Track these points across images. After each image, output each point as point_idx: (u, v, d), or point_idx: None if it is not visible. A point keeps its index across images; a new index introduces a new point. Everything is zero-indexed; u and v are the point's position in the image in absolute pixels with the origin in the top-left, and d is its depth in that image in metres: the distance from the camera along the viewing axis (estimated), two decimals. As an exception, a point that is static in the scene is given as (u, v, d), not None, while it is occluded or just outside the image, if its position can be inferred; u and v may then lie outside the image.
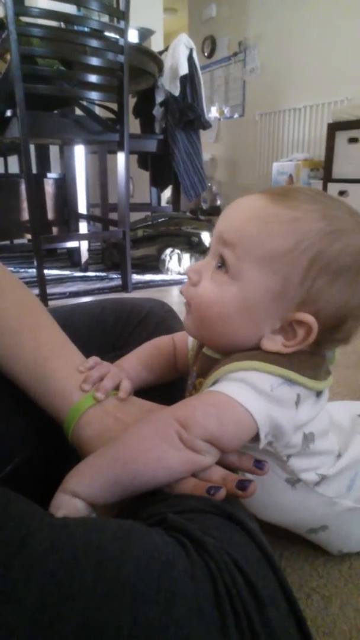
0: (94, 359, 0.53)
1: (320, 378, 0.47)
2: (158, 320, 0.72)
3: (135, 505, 0.41)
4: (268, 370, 0.43)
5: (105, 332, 0.72)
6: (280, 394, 0.43)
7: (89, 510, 0.40)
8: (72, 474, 0.41)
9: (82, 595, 0.27)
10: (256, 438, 0.43)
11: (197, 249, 2.38)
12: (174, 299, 1.92)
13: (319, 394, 0.49)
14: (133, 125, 2.30)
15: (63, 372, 0.50)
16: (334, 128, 3.63)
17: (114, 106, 1.93)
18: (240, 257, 0.45)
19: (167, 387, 0.61)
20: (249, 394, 0.42)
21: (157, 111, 2.50)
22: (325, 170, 3.76)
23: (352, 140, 3.51)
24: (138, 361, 0.59)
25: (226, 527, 0.36)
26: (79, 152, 2.40)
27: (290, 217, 0.43)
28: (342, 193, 3.61)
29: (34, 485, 0.48)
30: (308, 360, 0.46)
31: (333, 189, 3.68)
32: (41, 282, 1.84)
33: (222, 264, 0.46)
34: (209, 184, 4.83)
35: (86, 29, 1.74)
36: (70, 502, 0.39)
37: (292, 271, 0.43)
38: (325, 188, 3.73)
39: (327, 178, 3.73)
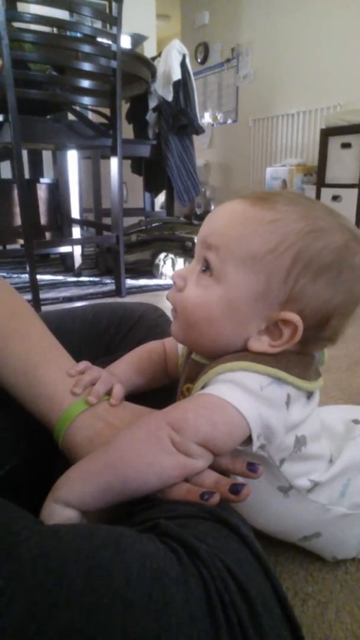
0: (85, 364, 0.53)
1: (309, 378, 0.47)
2: (151, 324, 0.72)
3: (128, 511, 0.40)
4: (256, 370, 0.43)
5: (97, 337, 0.71)
6: (270, 393, 0.43)
7: (81, 518, 0.39)
8: (62, 481, 0.40)
9: (70, 604, 0.27)
10: (248, 440, 0.43)
11: (190, 253, 2.38)
12: (167, 303, 1.91)
13: (309, 396, 0.49)
14: (126, 130, 2.31)
15: (53, 377, 0.50)
16: (327, 133, 3.65)
17: (107, 111, 1.93)
18: (223, 259, 0.45)
19: (159, 392, 0.61)
20: (238, 394, 0.42)
21: (150, 117, 2.51)
22: (318, 175, 3.78)
23: (345, 145, 3.53)
24: (129, 366, 0.58)
25: (220, 533, 0.35)
26: (72, 158, 2.40)
27: (271, 219, 0.44)
28: (335, 198, 3.62)
29: (24, 491, 0.47)
30: (296, 360, 0.46)
31: (326, 194, 3.70)
32: (34, 287, 1.83)
33: (207, 268, 0.47)
34: (203, 189, 4.85)
35: (79, 35, 1.75)
36: (62, 512, 0.38)
37: (274, 271, 0.43)
38: (318, 193, 3.75)
39: (321, 183, 3.75)
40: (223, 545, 0.33)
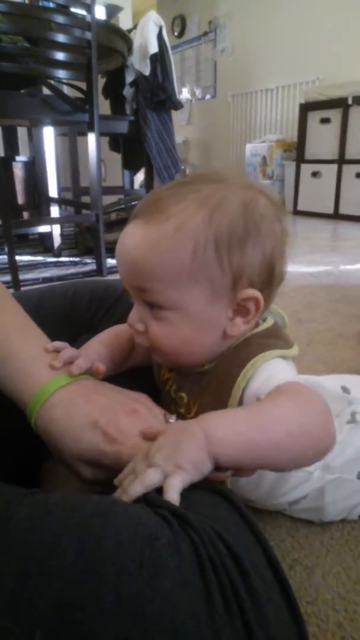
0: (62, 343, 0.51)
1: (292, 342, 0.50)
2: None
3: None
4: (280, 355, 0.47)
5: (79, 314, 0.70)
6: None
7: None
8: (219, 439, 0.36)
9: (62, 572, 0.27)
10: None
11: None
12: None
13: None
14: (103, 106, 2.25)
15: (30, 353, 0.48)
16: (306, 108, 3.63)
17: (83, 86, 1.88)
18: (162, 292, 0.45)
19: (134, 374, 0.60)
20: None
21: (128, 92, 2.45)
22: (298, 151, 3.77)
23: (324, 120, 3.52)
24: (100, 350, 0.56)
25: (211, 500, 0.36)
26: (48, 135, 2.33)
27: (173, 228, 0.43)
28: (315, 174, 3.63)
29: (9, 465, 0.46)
30: (276, 334, 0.49)
31: (306, 170, 3.70)
32: (13, 268, 1.80)
33: (153, 306, 0.46)
34: (183, 167, 4.80)
35: (51, 4, 1.69)
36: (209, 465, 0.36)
37: (208, 269, 0.44)
38: (298, 169, 3.75)
39: (300, 159, 3.75)
40: (213, 513, 0.34)
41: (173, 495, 0.33)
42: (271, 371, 0.45)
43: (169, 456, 0.35)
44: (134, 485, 0.34)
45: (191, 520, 0.31)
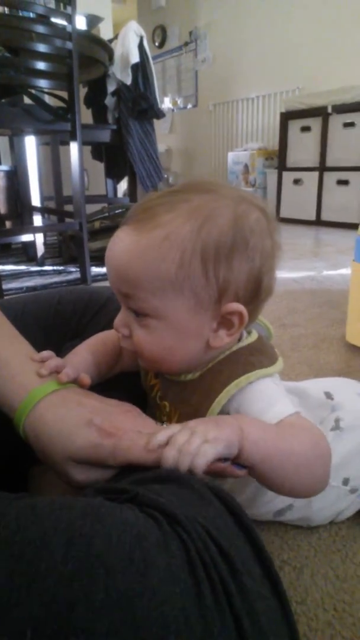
0: (48, 352, 0.51)
1: (277, 357, 0.50)
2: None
3: (116, 478, 0.40)
4: (265, 374, 0.47)
5: (64, 321, 0.70)
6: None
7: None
8: (247, 435, 0.40)
9: (52, 572, 0.27)
10: None
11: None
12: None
13: None
14: (85, 115, 2.26)
15: (17, 360, 0.48)
16: (287, 117, 3.69)
17: (65, 95, 1.89)
18: (146, 299, 0.45)
19: (120, 382, 0.60)
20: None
21: (110, 101, 2.46)
22: (279, 159, 3.82)
23: (305, 129, 3.57)
24: (86, 358, 0.56)
25: (203, 498, 0.36)
26: (30, 144, 2.33)
27: (161, 237, 0.43)
28: (297, 182, 3.68)
29: None
30: (261, 351, 0.49)
31: (288, 177, 3.75)
32: (-4, 277, 1.78)
33: (137, 314, 0.47)
34: (166, 176, 4.82)
35: (31, 14, 1.69)
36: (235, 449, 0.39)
37: (193, 281, 0.44)
38: (280, 177, 3.79)
39: (282, 167, 3.80)
40: (203, 511, 0.34)
41: (201, 462, 0.36)
42: (265, 397, 0.46)
43: (210, 430, 0.38)
44: (185, 456, 0.37)
45: (180, 518, 0.32)
